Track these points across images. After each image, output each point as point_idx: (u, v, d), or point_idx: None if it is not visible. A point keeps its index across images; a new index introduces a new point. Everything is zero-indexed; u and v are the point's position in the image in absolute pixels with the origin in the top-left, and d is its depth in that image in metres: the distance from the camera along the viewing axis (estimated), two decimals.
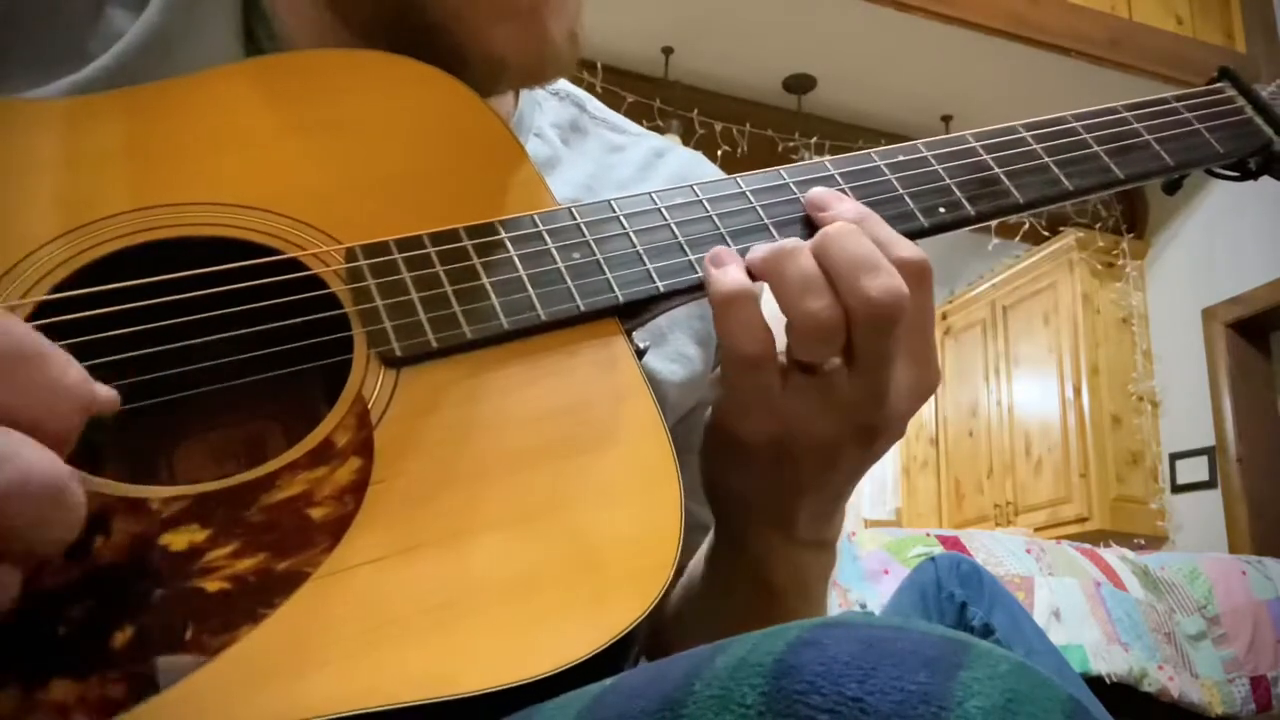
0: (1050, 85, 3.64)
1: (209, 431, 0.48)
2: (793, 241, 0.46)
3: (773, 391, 0.46)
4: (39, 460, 0.31)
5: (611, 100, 3.57)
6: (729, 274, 0.46)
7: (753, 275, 0.46)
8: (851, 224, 0.46)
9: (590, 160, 0.68)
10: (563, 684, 0.36)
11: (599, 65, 3.73)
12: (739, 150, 3.96)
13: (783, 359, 0.46)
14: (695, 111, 3.91)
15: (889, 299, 0.43)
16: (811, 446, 0.47)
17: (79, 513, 0.32)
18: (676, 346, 0.65)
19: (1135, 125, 0.59)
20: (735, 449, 0.49)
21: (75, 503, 0.32)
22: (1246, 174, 0.60)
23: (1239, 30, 3.96)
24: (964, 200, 0.54)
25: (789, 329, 0.45)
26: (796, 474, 0.48)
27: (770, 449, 0.47)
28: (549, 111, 0.69)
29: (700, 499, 0.68)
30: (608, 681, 0.33)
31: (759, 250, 0.47)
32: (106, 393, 0.36)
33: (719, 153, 3.84)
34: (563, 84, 0.72)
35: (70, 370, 0.34)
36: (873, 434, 0.47)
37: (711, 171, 0.73)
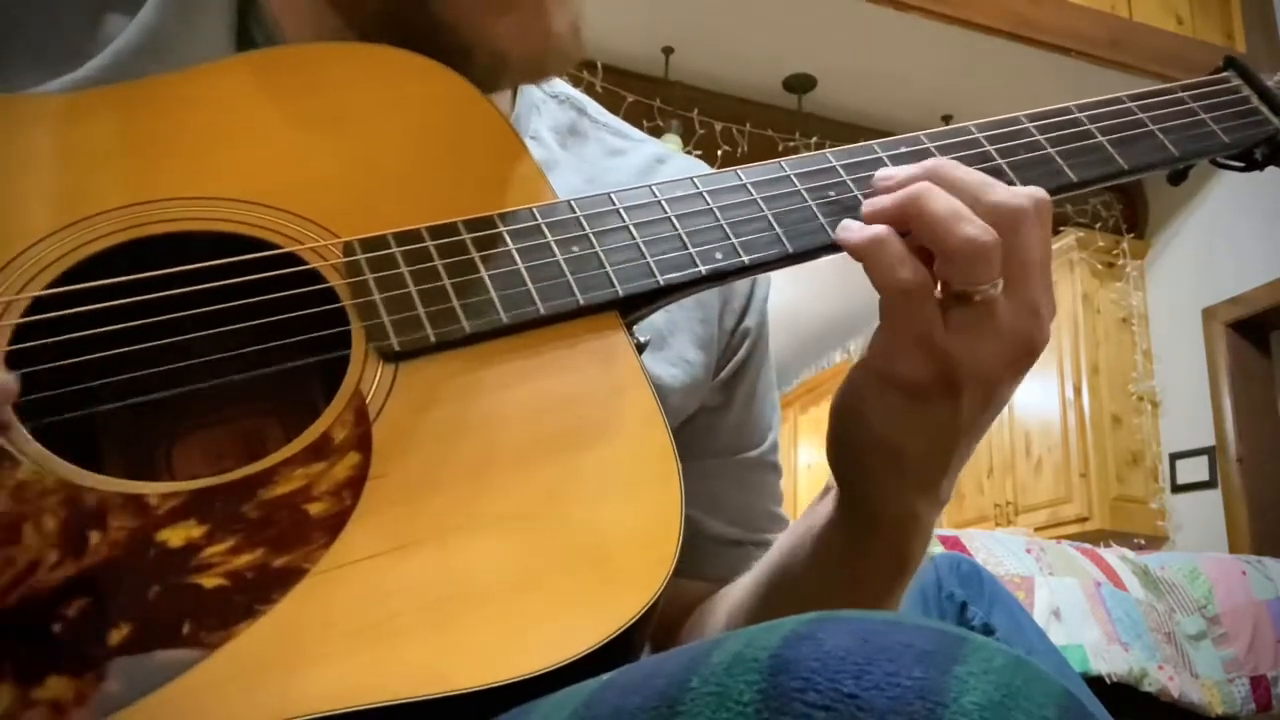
0: (1050, 85, 3.64)
1: (207, 428, 0.48)
2: (917, 184, 0.47)
3: (935, 327, 0.46)
4: None
5: (611, 100, 3.57)
6: (858, 227, 0.47)
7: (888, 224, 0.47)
8: (940, 160, 0.49)
9: (588, 164, 0.68)
10: (563, 680, 0.36)
11: (599, 65, 3.72)
12: (739, 150, 3.96)
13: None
14: (695, 111, 3.91)
15: (1031, 203, 0.46)
16: (975, 379, 0.47)
17: None
18: (678, 350, 0.64)
19: (1140, 115, 0.58)
20: (896, 398, 0.48)
21: None
22: (1252, 164, 0.60)
23: (1239, 30, 3.96)
24: None
25: (945, 263, 0.46)
26: (955, 414, 0.48)
27: (935, 387, 0.47)
28: (547, 115, 0.68)
29: (713, 508, 0.68)
30: (604, 677, 0.33)
31: (881, 201, 0.48)
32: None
33: (719, 152, 3.84)
34: (562, 87, 0.72)
35: None
36: (1030, 354, 0.48)
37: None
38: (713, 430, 0.69)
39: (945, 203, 0.46)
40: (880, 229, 0.46)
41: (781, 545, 0.60)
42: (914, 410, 0.48)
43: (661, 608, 0.66)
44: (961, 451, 0.50)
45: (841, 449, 0.52)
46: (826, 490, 0.56)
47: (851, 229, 0.48)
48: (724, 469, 0.70)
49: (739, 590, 0.64)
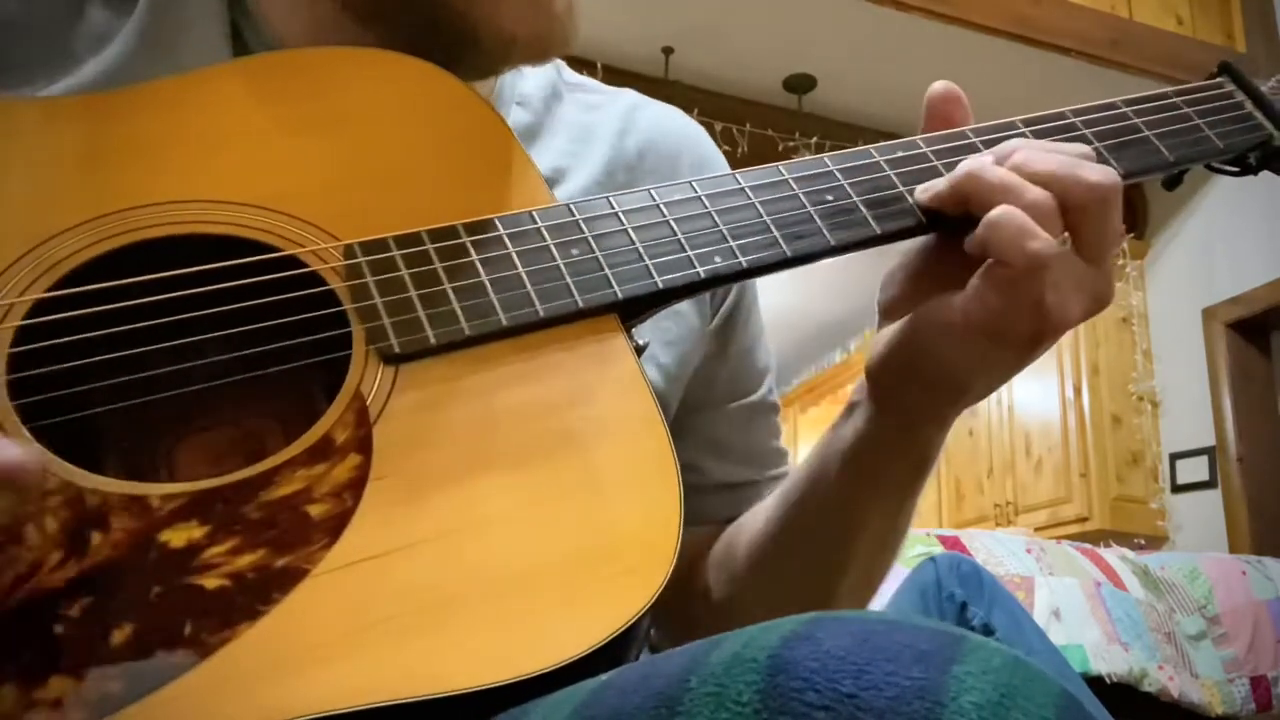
0: (1050, 85, 3.64)
1: (207, 429, 0.48)
2: (966, 164, 0.50)
3: (1047, 289, 0.48)
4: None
5: None
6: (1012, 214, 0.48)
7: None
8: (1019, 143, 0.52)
9: (570, 125, 0.68)
10: (562, 680, 0.36)
11: (599, 65, 3.72)
12: (739, 150, 3.96)
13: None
14: (695, 111, 3.86)
15: (1109, 178, 0.49)
16: (1060, 329, 0.49)
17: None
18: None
19: (1135, 120, 0.58)
20: (983, 344, 0.50)
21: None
22: (1246, 169, 0.60)
23: (1239, 30, 3.96)
24: None
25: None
26: (1030, 356, 0.51)
27: (1029, 338, 0.49)
28: (530, 75, 0.69)
29: (719, 453, 0.70)
30: (603, 677, 0.33)
31: (941, 184, 0.51)
32: (18, 458, 0.36)
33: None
34: None
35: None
36: (1102, 305, 0.50)
37: (686, 125, 0.75)
38: (713, 379, 0.71)
39: (999, 174, 0.49)
40: (1004, 206, 0.48)
41: (803, 471, 0.62)
42: (996, 354, 0.50)
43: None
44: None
45: (903, 376, 0.54)
46: (851, 409, 0.58)
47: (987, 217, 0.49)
48: (727, 416, 0.71)
49: (756, 521, 0.66)
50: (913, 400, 0.54)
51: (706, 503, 0.70)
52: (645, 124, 0.71)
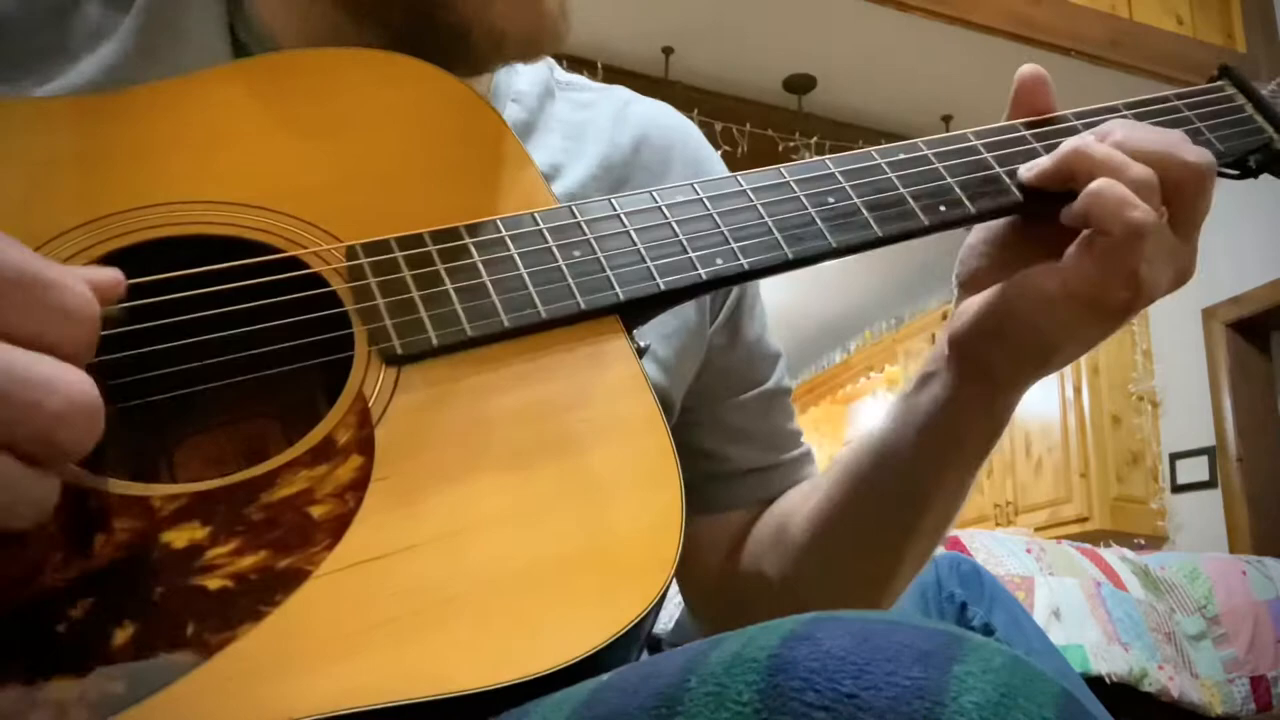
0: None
1: (208, 430, 0.49)
2: (1072, 141, 0.52)
3: (1144, 260, 0.50)
4: (78, 382, 0.33)
5: None
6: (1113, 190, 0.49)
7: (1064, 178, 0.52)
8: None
9: (564, 122, 0.69)
10: (564, 681, 0.36)
11: (599, 65, 3.72)
12: (739, 150, 3.96)
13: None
14: (695, 111, 3.91)
15: (1206, 158, 0.52)
16: (1150, 299, 0.52)
17: (101, 427, 0.34)
18: None
19: (1138, 121, 0.58)
20: (1078, 312, 0.52)
21: (101, 417, 0.34)
22: (1246, 172, 0.60)
23: (1239, 30, 3.96)
24: (965, 199, 0.54)
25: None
26: (1119, 323, 0.53)
27: (1122, 307, 0.52)
28: (524, 72, 0.69)
29: (741, 441, 0.72)
30: (603, 677, 0.33)
31: (1046, 161, 0.53)
32: (110, 280, 0.37)
33: (719, 153, 3.83)
34: None
35: (75, 288, 0.35)
36: (1187, 278, 0.54)
37: (678, 119, 0.75)
38: (727, 371, 0.72)
39: (1104, 150, 0.51)
40: (1104, 179, 0.50)
41: (870, 446, 0.63)
42: (1088, 322, 0.52)
43: (706, 546, 0.70)
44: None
45: (991, 342, 0.55)
46: (925, 380, 0.59)
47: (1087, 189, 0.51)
48: (745, 404, 0.73)
49: (814, 499, 0.67)
50: (999, 366, 0.56)
51: (735, 489, 0.72)
52: (638, 118, 0.72)
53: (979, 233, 0.59)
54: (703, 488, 0.71)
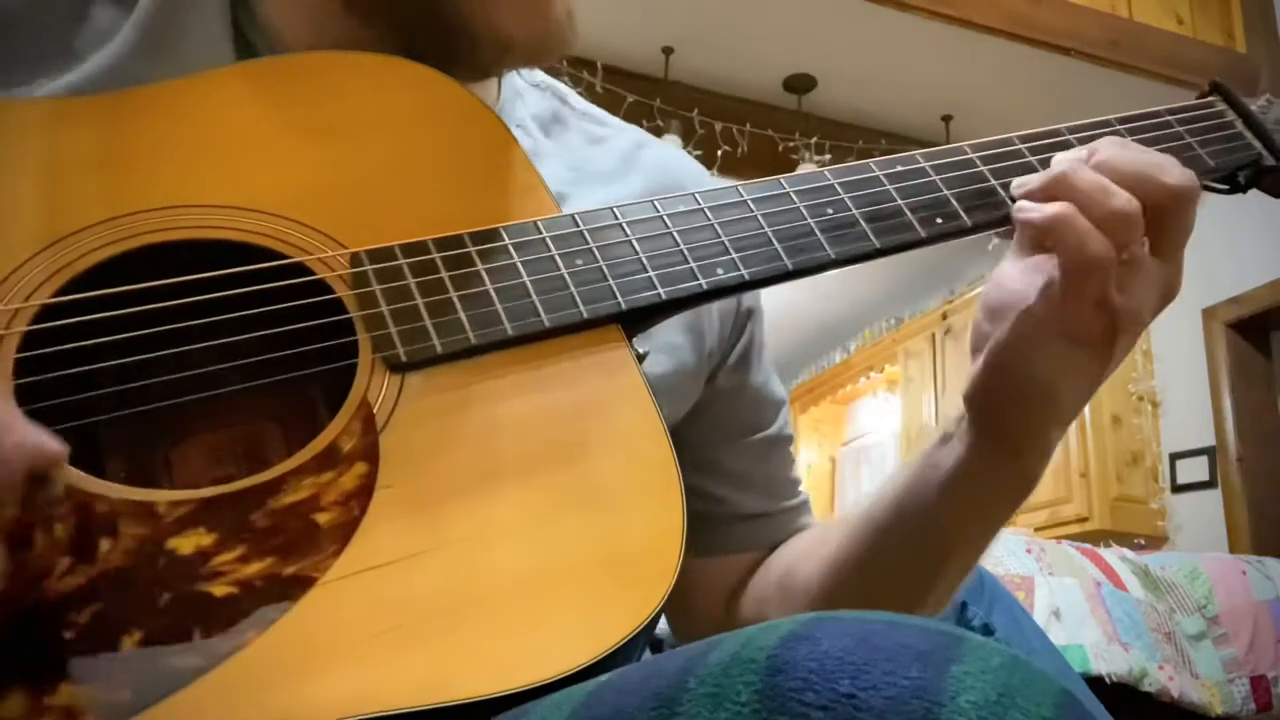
0: (1050, 85, 3.64)
1: (207, 433, 0.49)
2: (1059, 165, 0.52)
3: (1111, 289, 0.50)
4: None
5: (611, 100, 3.56)
6: (1038, 205, 0.50)
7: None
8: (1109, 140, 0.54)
9: (571, 152, 0.68)
10: (561, 684, 0.36)
11: (599, 65, 3.72)
12: (739, 150, 3.95)
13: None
14: (695, 111, 3.90)
15: (1190, 181, 0.52)
16: (1133, 326, 0.52)
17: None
18: (663, 337, 0.65)
19: (1127, 139, 0.59)
20: (1062, 348, 0.52)
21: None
22: (1235, 187, 0.61)
23: (1239, 30, 3.96)
24: (961, 211, 0.55)
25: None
26: (1110, 356, 0.53)
27: (1102, 338, 0.51)
28: (530, 103, 0.69)
29: (741, 486, 0.71)
30: (602, 678, 0.33)
31: (1034, 180, 0.52)
32: (51, 448, 0.36)
33: (719, 153, 3.83)
34: (542, 76, 0.73)
35: (11, 434, 0.35)
36: (1172, 298, 0.54)
37: (691, 166, 0.75)
38: (734, 412, 0.72)
39: (1089, 179, 0.50)
40: (1065, 206, 0.49)
41: (888, 499, 0.62)
42: (1076, 357, 0.52)
43: (703, 590, 0.69)
44: (1101, 383, 0.55)
45: (997, 394, 0.55)
46: (946, 439, 0.59)
47: (1031, 209, 0.51)
48: (747, 449, 0.72)
49: (823, 550, 0.66)
50: (1010, 418, 0.55)
51: (733, 533, 0.71)
52: (648, 164, 0.71)
53: (986, 302, 0.58)
54: (700, 530, 0.70)
